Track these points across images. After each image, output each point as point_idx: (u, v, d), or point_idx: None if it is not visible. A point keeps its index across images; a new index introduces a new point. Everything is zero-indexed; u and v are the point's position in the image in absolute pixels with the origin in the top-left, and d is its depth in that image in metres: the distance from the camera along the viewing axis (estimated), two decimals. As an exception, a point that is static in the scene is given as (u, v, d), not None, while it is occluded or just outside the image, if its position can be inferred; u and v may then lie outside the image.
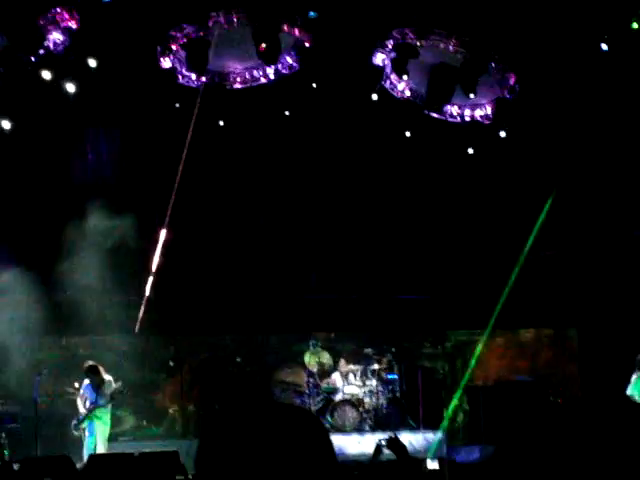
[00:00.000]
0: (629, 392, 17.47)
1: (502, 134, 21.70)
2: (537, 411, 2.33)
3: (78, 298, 19.52)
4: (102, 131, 21.00)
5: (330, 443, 2.23)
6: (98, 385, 17.17)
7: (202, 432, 2.29)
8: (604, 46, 19.64)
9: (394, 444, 7.73)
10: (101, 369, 17.39)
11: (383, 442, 7.81)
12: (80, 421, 17.19)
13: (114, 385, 17.31)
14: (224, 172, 21.61)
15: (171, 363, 21.60)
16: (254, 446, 2.11)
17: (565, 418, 2.22)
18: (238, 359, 21.73)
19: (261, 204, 22.02)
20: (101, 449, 17.02)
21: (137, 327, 20.67)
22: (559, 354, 22.82)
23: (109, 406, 17.32)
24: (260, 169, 21.77)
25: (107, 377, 17.37)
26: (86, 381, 17.28)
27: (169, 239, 21.18)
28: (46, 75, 18.62)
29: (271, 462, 2.09)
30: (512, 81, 21.08)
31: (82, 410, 17.20)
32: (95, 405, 17.06)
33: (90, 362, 17.53)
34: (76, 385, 18.21)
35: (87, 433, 17.16)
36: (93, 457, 16.06)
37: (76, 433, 17.49)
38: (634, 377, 17.97)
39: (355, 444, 19.12)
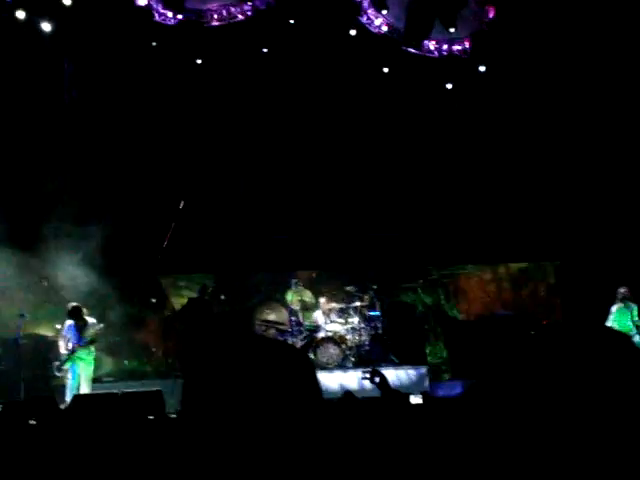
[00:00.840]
0: (609, 323, 17.64)
1: (481, 69, 21.58)
2: (515, 344, 2.32)
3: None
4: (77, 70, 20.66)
5: (315, 375, 2.23)
6: (81, 326, 17.12)
7: (186, 369, 2.28)
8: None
9: (376, 377, 7.73)
10: (84, 310, 17.35)
11: (366, 375, 7.79)
12: (63, 362, 17.16)
13: (97, 326, 17.28)
14: (201, 111, 21.44)
15: (153, 300, 21.62)
16: (239, 380, 2.11)
17: (543, 350, 2.20)
18: (222, 297, 21.74)
19: (239, 142, 21.85)
20: (85, 390, 17.01)
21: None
22: (541, 287, 22.93)
23: (92, 347, 17.29)
24: (237, 107, 21.61)
25: (90, 319, 17.33)
26: (68, 322, 17.22)
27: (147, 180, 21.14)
28: (20, 15, 18.38)
29: (256, 394, 2.09)
30: (491, 14, 20.94)
31: (64, 351, 17.16)
32: (78, 345, 17.03)
33: (73, 303, 17.47)
34: (58, 327, 18.19)
35: (70, 374, 17.14)
36: (77, 397, 16.04)
37: (59, 374, 17.48)
38: (614, 308, 18.15)
39: (338, 381, 19.26)
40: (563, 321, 21.19)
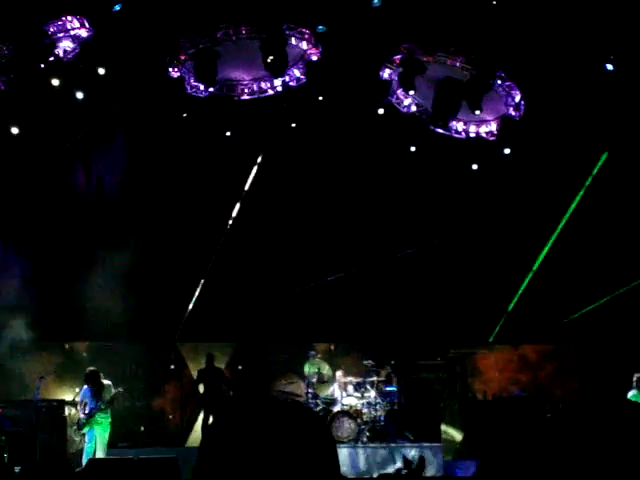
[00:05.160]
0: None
1: (506, 151, 21.79)
2: (529, 426, 2.37)
3: (81, 303, 19.71)
4: (109, 140, 21.01)
5: (331, 439, 2.27)
6: (98, 390, 17.23)
7: (204, 436, 2.33)
8: (609, 66, 19.77)
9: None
10: (101, 374, 17.46)
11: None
12: (80, 427, 17.25)
13: (113, 389, 17.39)
14: (229, 183, 21.71)
15: (172, 367, 21.73)
16: (255, 446, 2.14)
17: (558, 432, 2.27)
18: (239, 367, 21.84)
19: (268, 215, 22.06)
20: (100, 455, 17.07)
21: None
22: (560, 369, 22.86)
23: (109, 411, 17.38)
24: (266, 181, 21.87)
25: (106, 382, 17.43)
26: (85, 386, 17.34)
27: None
28: (55, 82, 18.78)
29: (272, 460, 2.12)
30: (517, 98, 21.19)
31: (81, 415, 17.26)
32: (96, 410, 17.12)
33: (90, 368, 17.61)
34: (76, 390, 18.32)
35: (87, 439, 17.21)
36: (92, 461, 16.14)
37: (76, 439, 17.58)
38: (630, 394, 18.09)
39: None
40: (579, 403, 21.08)
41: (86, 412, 17.17)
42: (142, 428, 21.00)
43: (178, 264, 21.46)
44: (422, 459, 18.96)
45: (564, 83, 19.99)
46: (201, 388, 20.49)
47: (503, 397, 21.10)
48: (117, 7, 17.98)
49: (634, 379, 18.16)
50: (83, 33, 18.51)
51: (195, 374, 21.15)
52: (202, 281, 21.73)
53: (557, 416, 2.41)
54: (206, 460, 2.20)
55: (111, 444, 17.76)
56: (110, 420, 17.44)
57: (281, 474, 2.11)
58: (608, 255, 21.74)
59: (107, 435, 17.41)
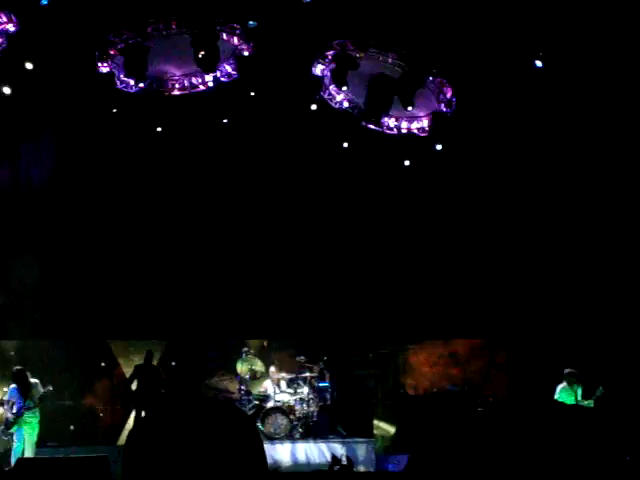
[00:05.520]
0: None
1: (438, 147, 21.92)
2: (459, 420, 2.38)
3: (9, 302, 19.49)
4: (37, 136, 20.75)
5: (260, 443, 2.28)
6: (25, 389, 17.05)
7: (131, 432, 2.30)
8: (538, 63, 19.95)
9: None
10: (28, 373, 17.28)
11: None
12: (8, 426, 17.06)
13: (41, 388, 17.21)
14: (159, 179, 21.58)
15: (102, 364, 21.55)
16: (181, 444, 2.13)
17: (488, 426, 2.29)
18: (172, 363, 21.73)
19: (197, 211, 21.95)
20: (29, 454, 16.90)
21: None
22: (489, 364, 23.02)
23: (37, 410, 17.20)
24: (196, 177, 21.76)
25: (33, 380, 17.26)
26: (12, 386, 17.15)
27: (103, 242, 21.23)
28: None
29: (198, 458, 2.11)
30: (449, 95, 21.32)
31: (9, 415, 17.07)
32: (24, 409, 16.94)
33: (17, 367, 17.41)
34: (4, 389, 18.11)
35: (15, 438, 17.03)
36: (21, 461, 15.97)
37: (4, 438, 17.38)
38: (559, 387, 18.32)
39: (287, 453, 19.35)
40: (508, 398, 21.28)
41: (14, 411, 16.98)
42: (72, 427, 20.79)
43: (108, 260, 21.28)
44: (349, 460, 19.08)
45: (494, 79, 20.16)
46: (134, 385, 20.33)
47: (434, 392, 21.23)
48: (44, 1, 17.75)
49: (565, 374, 18.37)
50: (10, 27, 18.26)
51: (126, 371, 21.01)
52: (133, 277, 21.52)
53: (487, 410, 2.43)
54: (131, 458, 2.19)
55: (40, 443, 17.58)
56: (39, 419, 17.27)
57: (207, 472, 2.11)
58: (539, 249, 21.96)
59: (36, 434, 17.25)
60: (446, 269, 22.22)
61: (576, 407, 2.15)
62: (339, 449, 19.45)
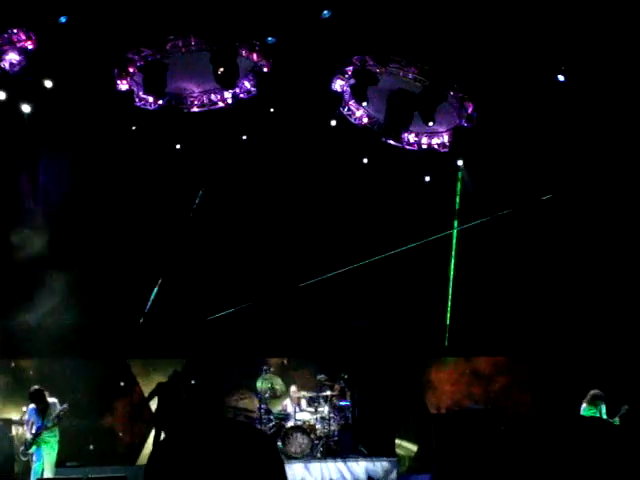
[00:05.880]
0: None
1: (459, 162, 21.82)
2: (483, 439, 2.34)
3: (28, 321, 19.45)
4: (56, 153, 20.71)
5: (281, 464, 2.21)
6: (43, 409, 16.99)
7: (152, 453, 2.26)
8: (561, 77, 19.82)
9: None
10: (46, 393, 17.21)
11: None
12: (27, 446, 17.00)
13: (59, 407, 17.13)
14: (178, 196, 21.53)
15: (122, 383, 21.46)
16: (202, 466, 2.08)
17: (511, 445, 2.23)
18: (192, 382, 21.62)
19: (217, 228, 21.87)
20: (49, 474, 16.81)
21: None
22: (513, 383, 22.83)
23: (56, 430, 17.12)
24: (215, 194, 21.70)
25: (51, 400, 17.19)
26: (31, 405, 17.09)
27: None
28: (1, 95, 18.53)
29: (219, 476, 2.07)
30: (470, 110, 21.20)
31: (28, 435, 17.01)
32: (42, 429, 16.87)
33: (35, 386, 17.35)
34: (23, 409, 18.06)
35: (34, 458, 16.96)
36: (40, 481, 15.96)
37: (24, 459, 17.30)
38: (583, 406, 18.12)
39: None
40: (532, 416, 21.09)
41: (33, 431, 16.92)
42: (91, 447, 20.70)
43: (127, 280, 21.20)
44: None
45: (517, 94, 20.04)
46: (153, 404, 20.24)
47: (457, 410, 21.04)
48: (63, 19, 17.74)
49: (589, 394, 18.18)
50: (29, 45, 18.27)
51: (145, 391, 20.91)
52: (152, 296, 21.48)
53: (510, 429, 2.33)
54: (153, 478, 2.14)
55: (59, 463, 17.49)
56: (58, 439, 17.20)
57: None
58: (564, 265, 21.83)
59: (55, 454, 17.17)
60: (468, 286, 22.08)
61: (602, 421, 2.10)
62: (358, 469, 19.28)
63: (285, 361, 22.08)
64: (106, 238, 20.96)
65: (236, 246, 21.78)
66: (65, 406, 17.22)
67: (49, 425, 16.93)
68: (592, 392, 18.18)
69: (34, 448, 16.96)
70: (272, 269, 21.90)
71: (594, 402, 18.08)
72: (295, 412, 19.99)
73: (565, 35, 18.78)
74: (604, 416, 17.98)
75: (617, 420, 17.87)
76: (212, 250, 21.75)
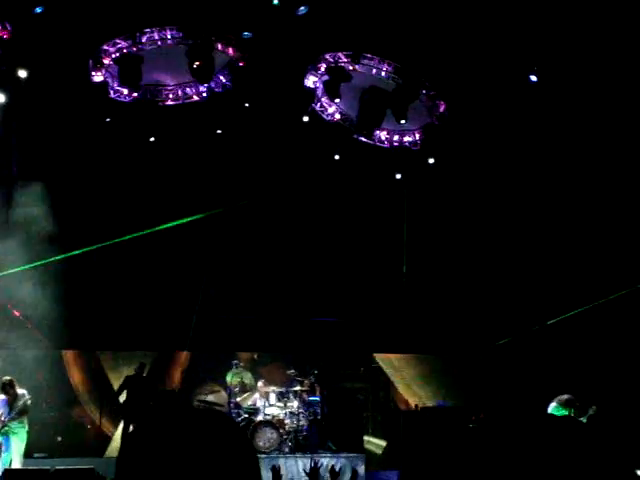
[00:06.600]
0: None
1: (430, 161, 21.91)
2: (451, 436, 2.37)
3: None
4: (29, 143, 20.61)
5: (252, 449, 2.23)
6: (12, 400, 16.88)
7: (123, 444, 2.27)
8: (533, 77, 19.94)
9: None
10: (16, 384, 17.11)
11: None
12: (-5, 437, 16.90)
13: (27, 398, 17.04)
14: (152, 188, 21.49)
15: (91, 375, 21.41)
16: (175, 456, 2.09)
17: (480, 442, 2.22)
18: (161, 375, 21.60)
19: (189, 221, 21.86)
20: (17, 465, 16.70)
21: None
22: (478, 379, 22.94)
23: (25, 421, 17.02)
24: (189, 186, 21.69)
25: (21, 391, 17.09)
26: (1, 396, 16.98)
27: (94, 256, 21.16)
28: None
29: (192, 471, 2.07)
30: (442, 108, 21.30)
31: (-5, 426, 16.92)
32: (8, 419, 16.77)
33: (5, 378, 17.23)
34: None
35: (2, 448, 16.85)
36: (7, 472, 15.81)
37: (-9, 449, 17.19)
38: (551, 405, 18.16)
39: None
40: (500, 415, 21.21)
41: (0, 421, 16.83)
42: (59, 438, 20.61)
43: (99, 270, 21.16)
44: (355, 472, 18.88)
45: (488, 92, 20.16)
46: (122, 397, 20.17)
47: (426, 407, 21.10)
48: (38, 9, 17.65)
49: (563, 398, 18.20)
50: (4, 35, 18.15)
51: (114, 383, 20.85)
52: (123, 288, 21.41)
53: (480, 426, 2.37)
54: (124, 471, 2.13)
55: (27, 454, 17.38)
56: (27, 430, 17.07)
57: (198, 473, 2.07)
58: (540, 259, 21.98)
59: (24, 445, 17.03)
60: (440, 282, 22.18)
61: (571, 419, 2.10)
62: (326, 464, 19.27)
63: (255, 356, 22.11)
64: (79, 229, 20.91)
65: (208, 238, 21.79)
66: (28, 397, 17.12)
67: (14, 416, 16.82)
68: (566, 396, 18.18)
69: (2, 438, 16.85)
70: (244, 261, 21.92)
71: (567, 406, 18.11)
72: (264, 407, 19.98)
73: (538, 35, 18.90)
74: (572, 415, 18.06)
75: (584, 420, 17.94)
76: (184, 242, 21.74)
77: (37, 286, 19.93)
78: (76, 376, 21.47)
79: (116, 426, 20.88)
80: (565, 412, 17.85)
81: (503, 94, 20.20)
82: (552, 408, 18.02)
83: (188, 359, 22.10)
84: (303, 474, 18.76)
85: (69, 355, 21.52)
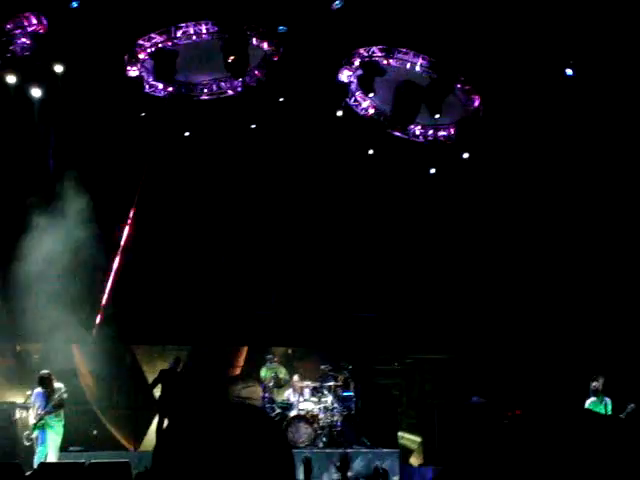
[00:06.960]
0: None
1: (465, 155, 21.80)
2: (486, 433, 2.32)
3: (33, 304, 19.38)
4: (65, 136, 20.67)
5: (287, 443, 2.22)
6: (49, 393, 16.97)
7: (158, 440, 2.26)
8: (569, 71, 19.82)
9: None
10: (53, 377, 17.20)
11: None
12: (31, 429, 16.98)
13: (63, 391, 17.12)
14: (188, 183, 21.52)
15: (127, 369, 21.49)
16: (211, 450, 2.09)
17: (515, 439, 2.19)
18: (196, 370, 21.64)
19: (224, 216, 21.88)
20: (52, 458, 16.78)
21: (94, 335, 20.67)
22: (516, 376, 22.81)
23: (61, 415, 17.10)
24: (224, 181, 21.69)
25: (57, 385, 17.17)
26: (37, 389, 17.07)
27: (129, 250, 21.21)
28: (11, 79, 18.52)
29: (227, 464, 2.07)
30: (476, 103, 21.20)
31: (32, 420, 17.00)
32: (45, 413, 16.85)
33: (44, 370, 17.33)
34: (28, 393, 18.03)
35: (39, 442, 16.93)
36: (43, 465, 15.87)
37: (27, 443, 17.25)
38: (588, 402, 18.05)
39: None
40: (535, 411, 21.05)
41: (38, 413, 16.92)
42: (95, 432, 20.68)
43: (134, 266, 21.22)
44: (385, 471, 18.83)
45: (523, 86, 20.04)
46: (157, 391, 20.19)
47: (460, 403, 21.01)
48: (74, 4, 17.73)
49: (592, 387, 18.11)
50: (40, 30, 18.25)
51: (149, 377, 20.90)
52: (159, 283, 21.45)
53: (514, 423, 2.32)
54: (160, 464, 2.13)
55: (63, 448, 17.46)
56: (63, 423, 17.16)
57: (237, 478, 2.06)
58: (568, 261, 21.84)
59: (59, 439, 17.14)
60: (476, 280, 22.06)
61: (610, 417, 2.07)
62: (359, 460, 19.23)
63: (290, 351, 22.11)
64: (113, 223, 21.00)
65: (243, 233, 21.82)
66: (64, 391, 17.21)
67: (51, 410, 16.90)
68: (594, 384, 18.09)
69: (37, 431, 16.93)
70: (280, 258, 21.93)
71: (599, 396, 18.01)
72: (298, 402, 19.96)
73: (575, 28, 18.78)
74: (610, 412, 17.90)
75: (623, 417, 17.80)
76: (219, 237, 21.80)
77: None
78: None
79: (151, 421, 20.92)
80: (602, 407, 17.81)
81: (538, 88, 20.06)
82: (589, 404, 17.97)
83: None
84: (333, 468, 18.75)
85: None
